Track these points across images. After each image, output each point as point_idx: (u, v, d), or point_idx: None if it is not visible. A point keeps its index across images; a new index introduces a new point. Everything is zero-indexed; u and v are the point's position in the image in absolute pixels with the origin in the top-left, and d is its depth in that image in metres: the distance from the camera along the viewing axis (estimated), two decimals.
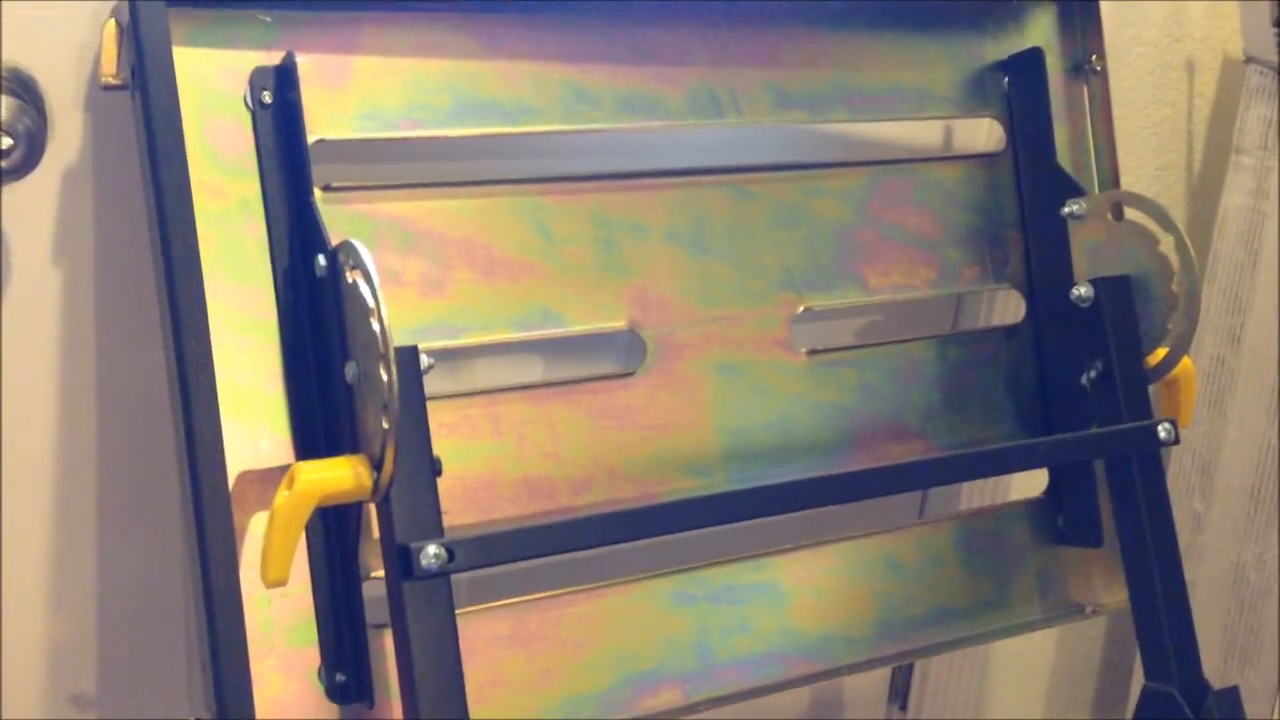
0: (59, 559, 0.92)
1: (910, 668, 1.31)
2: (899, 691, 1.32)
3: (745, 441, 0.97)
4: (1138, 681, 1.02)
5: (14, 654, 0.92)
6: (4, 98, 0.83)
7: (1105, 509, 1.06)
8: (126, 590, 0.95)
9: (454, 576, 0.77)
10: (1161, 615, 0.99)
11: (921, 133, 1.14)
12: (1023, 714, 1.42)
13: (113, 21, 0.80)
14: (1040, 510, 1.09)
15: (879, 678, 1.32)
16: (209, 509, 0.75)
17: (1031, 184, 1.07)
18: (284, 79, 0.81)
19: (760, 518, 0.88)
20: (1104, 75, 1.10)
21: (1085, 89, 1.11)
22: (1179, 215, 1.38)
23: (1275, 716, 1.38)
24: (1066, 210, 1.05)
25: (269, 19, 0.82)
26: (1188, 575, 1.02)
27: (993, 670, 1.38)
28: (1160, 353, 1.02)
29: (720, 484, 0.95)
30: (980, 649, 1.33)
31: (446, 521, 0.78)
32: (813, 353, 1.00)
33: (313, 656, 0.81)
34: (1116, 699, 1.46)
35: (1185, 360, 1.02)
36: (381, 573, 0.79)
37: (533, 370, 0.99)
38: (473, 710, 0.77)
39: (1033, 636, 1.39)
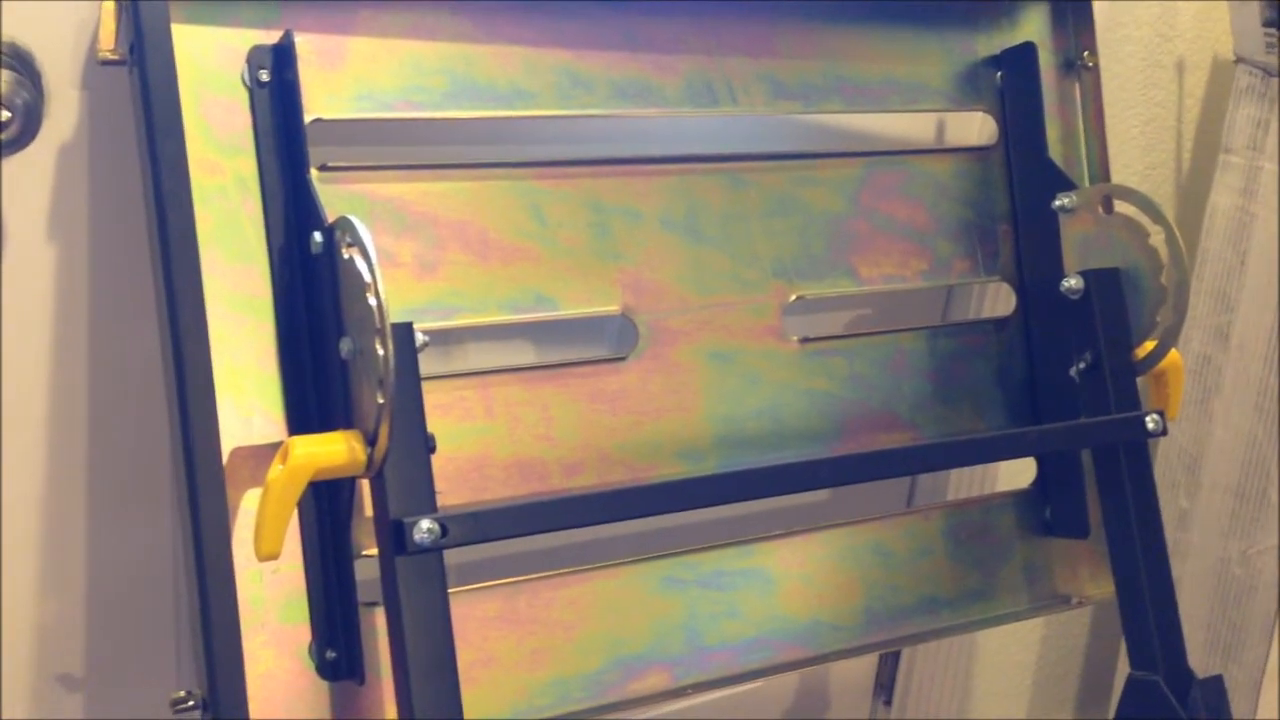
0: (48, 539, 0.92)
1: (896, 661, 1.31)
2: (884, 685, 1.32)
3: (736, 428, 0.97)
4: (1121, 677, 1.03)
5: (2, 634, 0.92)
6: (2, 72, 0.83)
7: (1093, 501, 1.07)
8: (115, 571, 0.95)
9: (445, 559, 0.77)
10: (1147, 605, 1.00)
11: (914, 125, 1.15)
12: (1007, 708, 1.43)
13: None
14: (1028, 501, 1.10)
15: (865, 672, 1.32)
16: (203, 485, 0.75)
17: (1023, 177, 1.08)
18: (282, 58, 0.82)
19: (748, 499, 0.89)
20: (1095, 71, 1.11)
21: (1077, 85, 1.12)
22: (1168, 214, 1.39)
23: (1258, 713, 1.38)
24: (1057, 203, 1.05)
25: None
26: (1173, 572, 1.03)
27: (978, 664, 1.38)
28: (1149, 345, 1.02)
29: (710, 469, 0.95)
30: (966, 643, 1.34)
31: (438, 501, 0.78)
32: (804, 341, 1.00)
33: (304, 633, 0.81)
34: (1100, 694, 1.46)
35: (1173, 353, 1.03)
36: (373, 551, 0.79)
37: (525, 354, 1.00)
38: (462, 690, 0.77)
39: (1018, 631, 1.40)
